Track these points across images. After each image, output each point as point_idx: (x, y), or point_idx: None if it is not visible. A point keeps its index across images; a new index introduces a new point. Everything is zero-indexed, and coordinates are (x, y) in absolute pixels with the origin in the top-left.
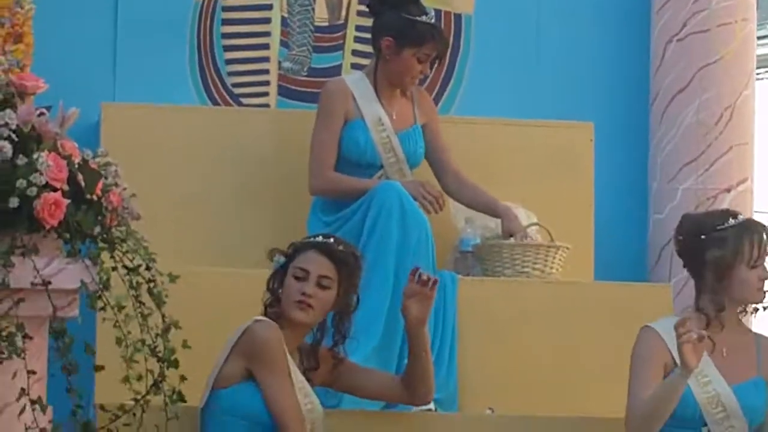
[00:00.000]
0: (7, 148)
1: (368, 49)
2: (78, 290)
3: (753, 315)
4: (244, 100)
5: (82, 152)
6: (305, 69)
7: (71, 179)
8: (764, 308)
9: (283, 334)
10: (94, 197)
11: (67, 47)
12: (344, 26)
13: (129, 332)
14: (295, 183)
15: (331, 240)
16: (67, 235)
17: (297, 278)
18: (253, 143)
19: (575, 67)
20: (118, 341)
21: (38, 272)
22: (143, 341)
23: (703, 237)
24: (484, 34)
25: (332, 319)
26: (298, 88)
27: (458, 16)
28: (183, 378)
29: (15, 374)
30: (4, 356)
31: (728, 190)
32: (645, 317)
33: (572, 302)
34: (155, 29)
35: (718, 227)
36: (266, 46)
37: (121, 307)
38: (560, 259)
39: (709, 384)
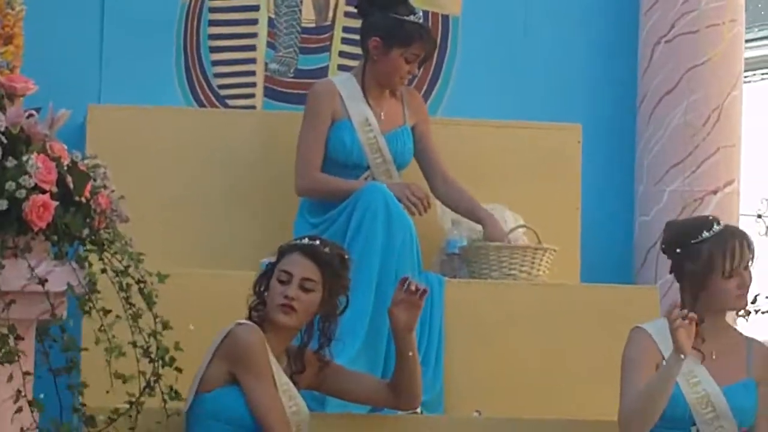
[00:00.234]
0: None
1: (355, 50)
2: (65, 293)
3: (745, 318)
4: (230, 102)
5: (71, 154)
6: (292, 70)
7: (60, 181)
8: (749, 313)
9: (269, 338)
10: (83, 199)
11: (52, 48)
12: (331, 27)
13: (114, 336)
14: (282, 185)
15: (317, 242)
16: (55, 238)
17: (280, 281)
18: (240, 145)
19: (563, 68)
20: (102, 345)
21: (33, 270)
22: (134, 343)
23: (678, 251)
24: (472, 35)
25: (319, 321)
26: (285, 90)
27: (446, 17)
28: (179, 370)
29: (11, 377)
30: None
31: (715, 192)
32: (632, 319)
33: (559, 304)
34: (142, 30)
35: (693, 241)
36: (253, 48)
37: (107, 311)
38: (547, 262)
39: (699, 384)
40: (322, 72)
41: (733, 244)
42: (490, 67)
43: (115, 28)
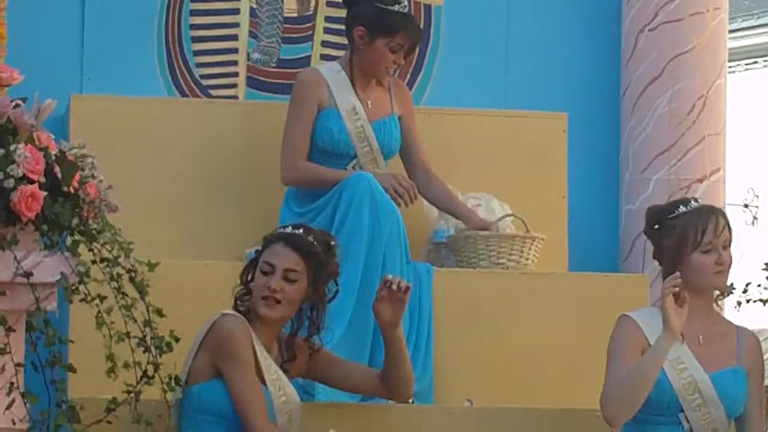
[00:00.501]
0: None
1: (338, 40)
2: (56, 283)
3: (737, 308)
4: (213, 92)
5: (59, 144)
6: (274, 60)
7: (48, 171)
8: (740, 303)
9: (256, 327)
10: (71, 189)
11: (34, 38)
12: (313, 17)
13: (113, 322)
14: (266, 174)
15: (300, 231)
16: (45, 228)
17: (264, 272)
18: (223, 135)
19: (547, 57)
20: (97, 334)
21: (19, 263)
22: (128, 333)
23: (656, 227)
24: (455, 24)
25: (308, 309)
26: (267, 80)
27: (428, 7)
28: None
29: (3, 368)
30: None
31: (701, 181)
32: (620, 308)
33: (548, 293)
34: (123, 20)
35: (669, 216)
36: (235, 38)
37: (102, 298)
38: (535, 250)
39: (685, 370)
40: (305, 62)
41: (707, 219)
42: (473, 57)
43: (97, 18)
